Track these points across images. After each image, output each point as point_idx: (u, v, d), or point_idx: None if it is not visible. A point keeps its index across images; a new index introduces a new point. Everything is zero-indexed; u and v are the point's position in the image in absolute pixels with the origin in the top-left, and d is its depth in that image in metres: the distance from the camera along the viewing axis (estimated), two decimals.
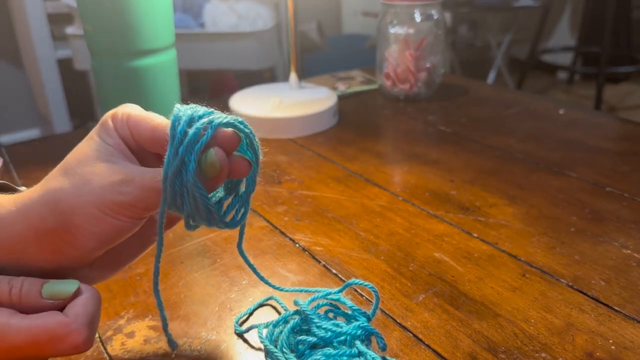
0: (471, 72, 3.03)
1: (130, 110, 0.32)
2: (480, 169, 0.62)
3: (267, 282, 0.40)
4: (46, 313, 0.29)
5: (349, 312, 0.36)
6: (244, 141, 0.31)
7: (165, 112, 0.37)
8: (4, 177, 0.62)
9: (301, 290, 0.41)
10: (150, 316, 0.40)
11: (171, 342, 0.37)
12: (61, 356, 0.29)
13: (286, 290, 0.41)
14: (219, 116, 0.30)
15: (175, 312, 0.41)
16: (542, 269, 0.44)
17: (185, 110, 0.30)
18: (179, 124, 0.29)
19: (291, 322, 0.35)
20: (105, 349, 0.37)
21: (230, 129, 0.30)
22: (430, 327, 0.38)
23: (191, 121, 0.30)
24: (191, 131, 0.29)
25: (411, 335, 0.38)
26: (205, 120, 0.30)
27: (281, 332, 0.36)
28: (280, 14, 1.88)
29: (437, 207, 0.54)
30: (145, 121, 0.31)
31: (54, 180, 0.30)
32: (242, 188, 0.34)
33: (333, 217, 0.53)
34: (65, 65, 1.97)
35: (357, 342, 0.33)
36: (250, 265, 0.38)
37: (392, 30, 0.85)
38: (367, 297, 0.42)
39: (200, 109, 0.31)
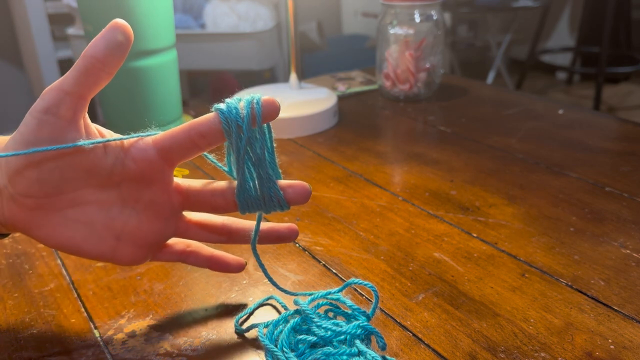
0: (471, 73, 3.03)
1: None
2: (480, 169, 0.62)
3: (276, 285, 0.39)
4: None
5: (349, 311, 0.36)
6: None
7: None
8: None
9: (306, 294, 0.40)
10: (151, 315, 0.40)
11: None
12: None
13: (292, 294, 0.40)
14: (251, 95, 0.33)
15: (175, 312, 0.41)
16: (542, 269, 0.44)
17: (226, 102, 0.33)
18: (233, 110, 0.33)
19: (291, 322, 0.36)
20: (106, 348, 0.37)
21: (267, 97, 0.33)
22: (429, 327, 0.38)
23: (236, 107, 0.33)
24: (245, 111, 0.32)
25: (411, 334, 0.38)
26: (246, 100, 0.33)
27: (281, 331, 0.36)
28: (280, 15, 1.88)
29: (437, 207, 0.54)
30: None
31: None
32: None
33: (333, 217, 0.53)
34: (66, 66, 1.97)
35: (357, 342, 0.33)
36: (261, 265, 0.38)
37: (391, 31, 0.85)
38: (366, 296, 0.42)
39: (226, 101, 0.33)
